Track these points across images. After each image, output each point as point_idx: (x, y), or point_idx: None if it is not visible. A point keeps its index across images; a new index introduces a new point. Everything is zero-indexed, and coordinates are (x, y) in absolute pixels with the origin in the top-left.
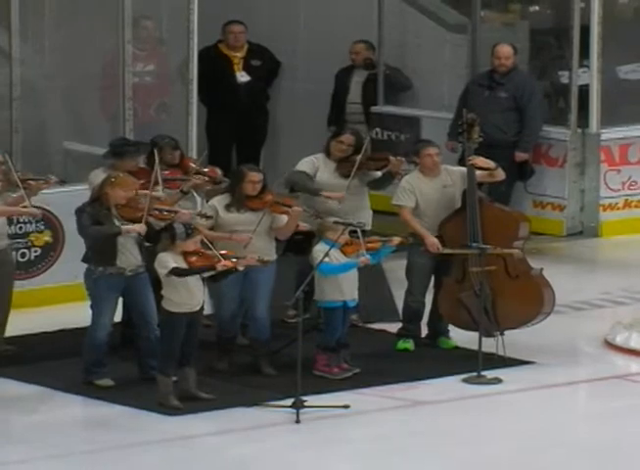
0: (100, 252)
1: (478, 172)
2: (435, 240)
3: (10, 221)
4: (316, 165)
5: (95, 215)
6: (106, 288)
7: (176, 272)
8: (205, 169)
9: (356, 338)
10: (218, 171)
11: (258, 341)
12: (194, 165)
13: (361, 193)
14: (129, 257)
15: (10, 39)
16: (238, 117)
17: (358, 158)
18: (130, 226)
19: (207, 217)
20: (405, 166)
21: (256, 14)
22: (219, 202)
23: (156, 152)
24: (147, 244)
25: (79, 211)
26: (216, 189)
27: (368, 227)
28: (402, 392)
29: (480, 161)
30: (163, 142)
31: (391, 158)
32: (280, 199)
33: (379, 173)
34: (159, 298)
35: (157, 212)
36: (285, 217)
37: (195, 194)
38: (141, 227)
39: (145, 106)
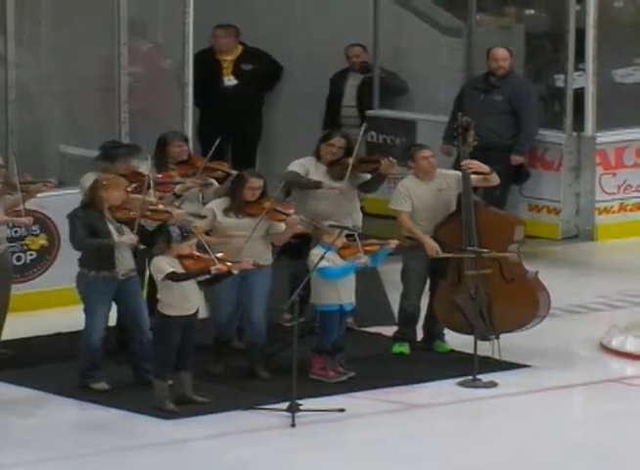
0: (98, 258)
1: (472, 177)
2: (435, 244)
3: (6, 225)
4: (306, 168)
5: (89, 221)
6: (98, 292)
7: (172, 277)
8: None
9: (352, 341)
10: (226, 165)
11: (254, 344)
12: (202, 163)
13: (352, 196)
14: (122, 260)
15: (5, 42)
16: (226, 120)
17: (350, 161)
18: (123, 238)
19: (202, 217)
20: (398, 170)
21: (254, 17)
22: (218, 206)
23: (149, 156)
24: (141, 246)
25: (72, 218)
26: (219, 191)
27: (359, 231)
28: (398, 395)
29: (475, 164)
30: (171, 134)
31: (382, 160)
32: (278, 206)
33: (369, 175)
34: (150, 301)
35: (149, 213)
36: (282, 224)
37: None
38: (133, 238)
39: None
